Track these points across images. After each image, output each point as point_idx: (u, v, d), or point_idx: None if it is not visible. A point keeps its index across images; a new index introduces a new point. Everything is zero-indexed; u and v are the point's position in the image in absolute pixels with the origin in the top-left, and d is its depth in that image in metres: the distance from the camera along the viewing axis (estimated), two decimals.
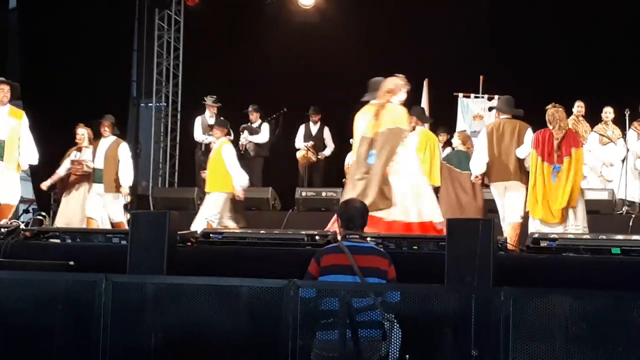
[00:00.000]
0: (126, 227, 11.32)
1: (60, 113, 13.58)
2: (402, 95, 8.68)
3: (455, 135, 12.35)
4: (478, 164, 10.09)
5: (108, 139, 11.97)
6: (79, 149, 12.20)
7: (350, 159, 13.65)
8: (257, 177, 14.51)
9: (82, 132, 12.18)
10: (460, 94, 14.21)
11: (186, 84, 17.64)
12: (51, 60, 14.92)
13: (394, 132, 8.52)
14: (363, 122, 8.81)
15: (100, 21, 15.65)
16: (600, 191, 12.29)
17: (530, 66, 15.06)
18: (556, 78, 14.77)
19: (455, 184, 10.98)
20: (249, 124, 14.72)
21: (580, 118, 13.24)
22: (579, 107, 13.20)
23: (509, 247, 7.56)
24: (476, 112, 14.15)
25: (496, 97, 14.01)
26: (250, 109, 14.73)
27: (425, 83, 13.75)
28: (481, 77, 14.09)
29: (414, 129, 10.82)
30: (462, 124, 14.09)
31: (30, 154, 10.47)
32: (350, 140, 13.40)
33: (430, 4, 15.35)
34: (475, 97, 14.18)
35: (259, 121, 14.72)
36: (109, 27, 15.93)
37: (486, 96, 14.13)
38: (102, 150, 11.91)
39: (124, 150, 11.92)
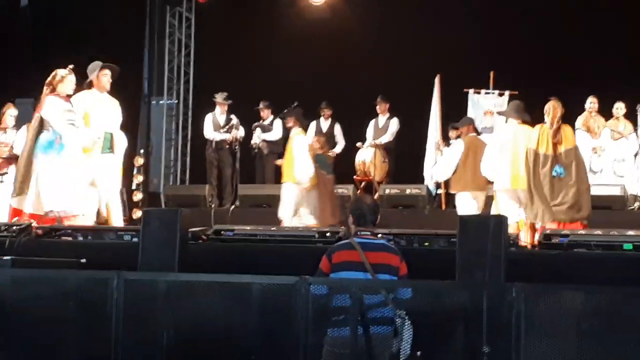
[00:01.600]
0: None
1: None
2: None
3: (314, 139, 13.11)
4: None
5: None
6: (4, 130, 11.22)
7: (362, 157, 13.70)
8: (270, 174, 14.50)
9: (13, 113, 11.33)
10: (471, 90, 14.19)
11: (197, 82, 17.65)
12: (62, 58, 14.92)
13: (577, 149, 9.65)
14: (524, 140, 9.73)
15: (111, 19, 15.68)
16: (612, 187, 12.26)
17: (541, 62, 15.02)
18: (567, 74, 14.72)
19: (325, 185, 11.55)
20: (261, 121, 14.71)
21: (594, 113, 13.19)
22: (591, 102, 13.15)
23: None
24: (487, 108, 14.12)
25: (506, 92, 13.99)
26: (261, 105, 14.71)
27: (437, 79, 13.71)
28: (491, 73, 14.06)
29: (289, 130, 11.90)
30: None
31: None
32: (358, 143, 13.50)
33: (442, 0, 15.33)
34: (486, 93, 14.15)
35: (271, 117, 14.69)
36: (120, 25, 15.95)
37: (497, 92, 14.11)
38: None
39: None
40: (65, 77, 9.55)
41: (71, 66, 9.76)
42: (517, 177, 9.69)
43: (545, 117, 9.78)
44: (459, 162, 11.04)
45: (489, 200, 10.75)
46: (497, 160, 9.96)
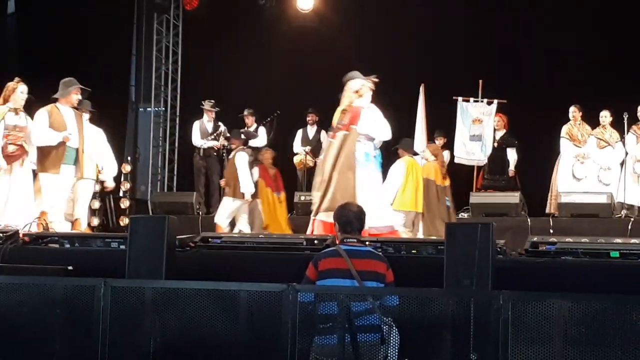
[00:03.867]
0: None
1: None
2: None
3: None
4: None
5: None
6: (15, 111, 9.83)
7: None
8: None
9: (24, 90, 9.88)
10: (460, 98, 14.21)
11: (185, 89, 17.63)
12: (50, 65, 14.92)
13: None
14: (419, 171, 11.67)
15: (99, 26, 15.66)
16: (599, 195, 12.30)
17: (529, 71, 15.07)
18: (554, 82, 14.78)
19: None
20: (245, 128, 14.73)
21: (578, 122, 13.29)
22: (573, 111, 13.33)
23: None
24: (475, 116, 14.16)
25: (495, 101, 14.02)
26: (245, 112, 14.75)
27: (422, 88, 13.74)
28: (480, 82, 14.09)
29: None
30: (461, 127, 14.12)
31: None
32: None
33: (429, 8, 15.35)
34: (475, 101, 14.17)
35: (255, 125, 14.74)
36: (108, 31, 15.94)
37: (485, 100, 14.13)
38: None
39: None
40: (370, 89, 9.43)
41: (375, 78, 9.58)
42: (416, 201, 11.35)
43: (431, 156, 12.02)
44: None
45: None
46: (401, 186, 11.38)
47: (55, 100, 9.89)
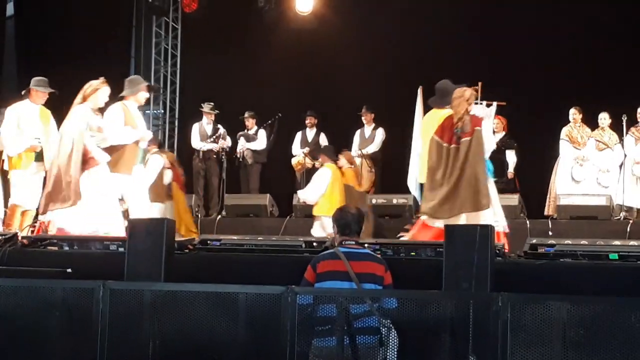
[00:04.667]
0: None
1: (59, 121, 13.56)
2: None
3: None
4: None
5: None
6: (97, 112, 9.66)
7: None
8: (255, 184, 14.51)
9: (107, 92, 9.63)
10: None
11: (184, 91, 17.64)
12: (48, 67, 14.91)
13: None
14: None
15: (98, 28, 15.66)
16: (598, 197, 12.29)
17: (528, 72, 15.06)
18: (553, 84, 14.77)
19: None
20: (245, 130, 14.73)
21: (578, 124, 13.28)
22: (573, 114, 13.29)
23: None
24: None
25: (494, 103, 14.01)
26: (246, 115, 14.75)
27: (419, 90, 13.72)
28: (479, 84, 14.08)
29: None
30: None
31: None
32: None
33: (428, 10, 15.35)
34: (474, 103, 14.16)
35: (255, 127, 14.74)
36: (107, 34, 15.94)
37: (484, 102, 14.11)
38: None
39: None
40: (475, 98, 9.62)
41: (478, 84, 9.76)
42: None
43: (347, 164, 12.52)
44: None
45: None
46: (327, 192, 11.95)
47: (121, 99, 9.62)
